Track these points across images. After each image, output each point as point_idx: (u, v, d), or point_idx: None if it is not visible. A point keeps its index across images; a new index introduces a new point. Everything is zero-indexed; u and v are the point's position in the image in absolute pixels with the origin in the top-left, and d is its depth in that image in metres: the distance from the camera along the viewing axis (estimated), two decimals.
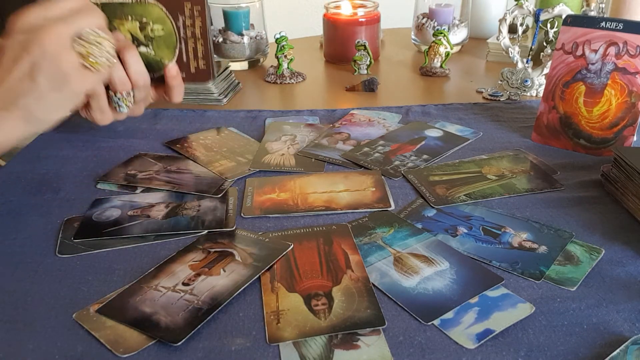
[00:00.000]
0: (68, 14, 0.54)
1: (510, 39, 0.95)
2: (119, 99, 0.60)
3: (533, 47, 0.94)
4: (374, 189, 0.65)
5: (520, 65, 0.93)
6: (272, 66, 1.04)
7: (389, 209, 0.62)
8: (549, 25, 0.93)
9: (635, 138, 0.72)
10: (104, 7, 0.61)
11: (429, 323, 0.46)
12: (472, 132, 0.80)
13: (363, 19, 1.07)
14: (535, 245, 0.55)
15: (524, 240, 0.56)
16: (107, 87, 0.59)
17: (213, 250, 0.55)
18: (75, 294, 0.50)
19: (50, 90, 0.53)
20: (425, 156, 0.73)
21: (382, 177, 0.68)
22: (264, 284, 0.51)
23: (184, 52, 0.66)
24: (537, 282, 0.51)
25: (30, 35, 0.52)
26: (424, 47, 1.07)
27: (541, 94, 0.78)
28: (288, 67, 1.02)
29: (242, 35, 1.05)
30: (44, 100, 0.53)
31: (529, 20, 1.10)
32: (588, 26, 0.71)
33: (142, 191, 0.66)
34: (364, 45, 1.02)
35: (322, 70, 1.09)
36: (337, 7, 1.10)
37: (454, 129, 0.81)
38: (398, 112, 0.87)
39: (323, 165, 0.72)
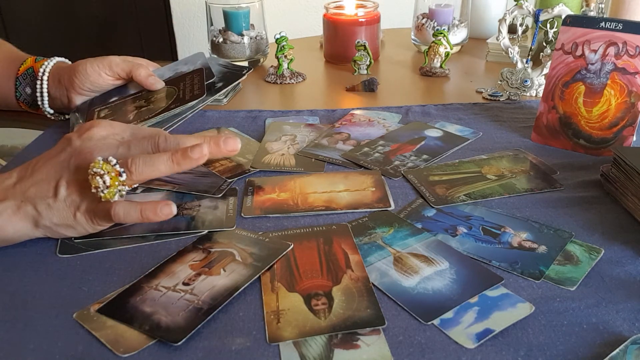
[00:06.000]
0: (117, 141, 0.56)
1: (510, 39, 0.95)
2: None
3: (533, 47, 0.94)
4: (374, 189, 0.66)
5: (519, 65, 0.93)
6: (272, 66, 1.05)
7: (389, 208, 0.62)
8: (548, 25, 0.94)
9: (634, 138, 0.72)
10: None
11: (429, 323, 0.46)
12: (471, 132, 0.80)
13: (363, 19, 1.07)
14: (534, 245, 0.56)
15: (523, 240, 0.56)
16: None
17: (213, 250, 0.55)
18: (75, 293, 0.50)
19: (61, 209, 0.53)
20: (425, 156, 0.73)
21: (382, 177, 0.68)
22: (264, 283, 0.51)
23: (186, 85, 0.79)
24: (536, 281, 0.51)
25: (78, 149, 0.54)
26: (423, 47, 1.07)
27: (541, 94, 0.78)
28: (288, 67, 1.02)
29: (242, 35, 1.05)
30: (54, 211, 0.53)
31: (529, 21, 1.11)
32: (587, 26, 0.71)
33: (142, 191, 0.66)
34: (364, 46, 1.02)
35: (322, 70, 1.09)
36: (338, 7, 1.10)
37: (453, 129, 0.81)
38: (398, 112, 0.87)
39: (323, 165, 0.72)
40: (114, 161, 0.52)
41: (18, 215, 0.53)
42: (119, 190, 0.52)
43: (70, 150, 0.55)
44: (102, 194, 0.52)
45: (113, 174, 0.52)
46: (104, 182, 0.51)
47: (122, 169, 0.52)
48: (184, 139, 0.56)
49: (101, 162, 0.51)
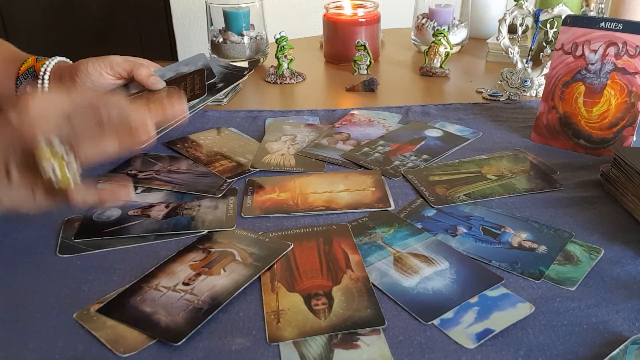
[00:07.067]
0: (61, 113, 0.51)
1: (509, 39, 0.95)
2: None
3: (533, 47, 0.94)
4: (374, 189, 0.66)
5: (519, 65, 0.93)
6: (272, 66, 1.05)
7: (389, 208, 0.62)
8: (548, 25, 0.94)
9: (634, 138, 0.72)
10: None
11: (429, 323, 0.46)
12: (471, 132, 0.80)
13: (363, 19, 1.07)
14: (534, 245, 0.56)
15: (523, 240, 0.56)
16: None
17: (213, 250, 0.55)
18: (75, 293, 0.50)
19: (19, 191, 0.50)
20: (425, 156, 0.73)
21: (382, 177, 0.68)
22: (264, 283, 0.51)
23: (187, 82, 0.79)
24: (536, 281, 0.51)
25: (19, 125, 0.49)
26: (423, 47, 1.07)
27: (541, 94, 0.78)
28: (288, 67, 1.02)
29: (242, 35, 1.05)
30: (12, 192, 0.50)
31: (529, 21, 1.11)
32: (587, 26, 0.71)
33: (142, 191, 0.66)
34: (364, 46, 1.02)
35: (322, 70, 1.09)
36: (337, 7, 1.10)
37: (453, 129, 0.81)
38: (398, 112, 0.87)
39: (323, 165, 0.72)
40: (59, 145, 0.49)
41: None
42: (72, 175, 0.50)
43: (10, 129, 0.50)
44: (57, 185, 0.50)
45: (59, 161, 0.49)
46: (55, 174, 0.49)
47: (67, 155, 0.49)
48: (126, 108, 0.53)
49: (46, 148, 0.48)
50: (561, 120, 0.75)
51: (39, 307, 0.49)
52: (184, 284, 0.50)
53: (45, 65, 0.79)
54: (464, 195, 0.64)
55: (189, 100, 0.74)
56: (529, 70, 0.92)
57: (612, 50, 0.70)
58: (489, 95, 0.93)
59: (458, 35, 1.14)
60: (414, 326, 0.46)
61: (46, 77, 0.79)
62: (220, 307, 0.47)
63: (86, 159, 0.51)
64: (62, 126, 0.51)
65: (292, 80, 1.02)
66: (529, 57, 0.93)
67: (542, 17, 0.88)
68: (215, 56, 1.07)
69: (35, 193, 0.51)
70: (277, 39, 1.00)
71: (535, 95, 0.92)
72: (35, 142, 0.49)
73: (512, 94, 0.92)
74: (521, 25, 1.03)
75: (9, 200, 0.51)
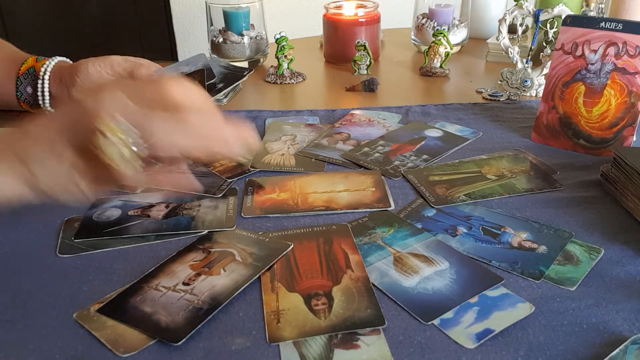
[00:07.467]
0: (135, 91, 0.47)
1: (509, 39, 0.95)
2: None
3: (533, 47, 0.94)
4: (374, 189, 0.66)
5: (519, 65, 0.93)
6: (272, 66, 1.05)
7: (388, 208, 0.62)
8: (548, 25, 0.94)
9: (634, 138, 0.72)
10: None
11: (429, 323, 0.46)
12: (471, 132, 0.80)
13: (363, 19, 1.07)
14: (534, 245, 0.56)
15: (523, 240, 0.56)
16: None
17: (213, 250, 0.55)
18: (75, 293, 0.50)
19: (63, 174, 0.47)
20: (425, 156, 0.73)
21: (382, 177, 0.68)
22: (264, 283, 0.51)
23: None
24: (536, 281, 0.51)
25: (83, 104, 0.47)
26: (423, 48, 1.07)
27: (541, 94, 0.78)
28: (288, 67, 1.02)
29: (242, 35, 1.05)
30: (54, 175, 0.47)
31: (529, 21, 1.11)
32: (587, 26, 0.71)
33: (142, 191, 0.66)
34: (364, 46, 1.02)
35: (322, 70, 1.09)
36: (338, 7, 1.10)
37: (453, 129, 0.81)
38: (398, 112, 0.87)
39: (323, 165, 0.72)
40: (125, 125, 0.45)
41: (9, 176, 0.47)
42: (133, 158, 0.46)
43: (75, 108, 0.47)
44: (115, 165, 0.45)
45: (123, 141, 0.45)
46: (118, 152, 0.45)
47: (133, 136, 0.45)
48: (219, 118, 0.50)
49: (112, 126, 0.44)
50: (561, 120, 0.75)
51: (39, 307, 0.49)
52: (184, 284, 0.50)
53: (45, 66, 0.79)
54: (464, 195, 0.64)
55: None
56: (529, 70, 0.92)
57: (612, 50, 0.70)
58: (489, 95, 0.93)
59: (458, 35, 1.14)
60: (414, 326, 0.46)
61: (46, 77, 0.79)
62: (220, 307, 0.47)
63: (156, 146, 0.46)
64: (134, 111, 0.46)
65: (292, 80, 1.02)
66: (529, 57, 0.93)
67: (542, 17, 0.88)
68: (215, 56, 1.07)
69: (82, 178, 0.48)
70: (277, 39, 1.00)
71: (535, 95, 0.92)
72: (100, 120, 0.45)
73: (512, 94, 0.92)
74: (521, 25, 1.03)
75: (50, 182, 0.47)
